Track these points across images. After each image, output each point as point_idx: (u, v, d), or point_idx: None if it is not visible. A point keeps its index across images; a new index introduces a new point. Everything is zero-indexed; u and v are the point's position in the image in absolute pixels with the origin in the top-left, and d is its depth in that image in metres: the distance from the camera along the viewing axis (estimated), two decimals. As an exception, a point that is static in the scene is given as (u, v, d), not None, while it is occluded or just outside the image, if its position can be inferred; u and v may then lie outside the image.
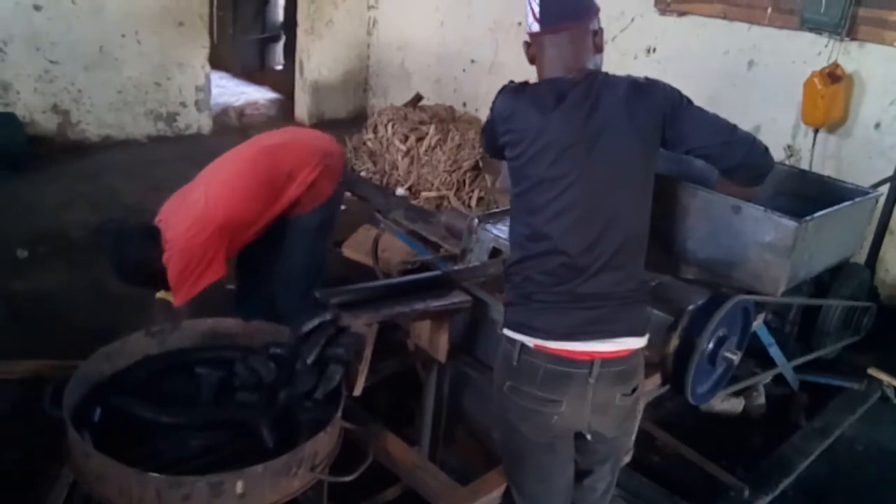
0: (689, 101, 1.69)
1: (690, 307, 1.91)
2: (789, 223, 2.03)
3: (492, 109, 1.70)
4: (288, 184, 2.56)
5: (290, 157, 2.61)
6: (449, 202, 4.92)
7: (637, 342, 1.62)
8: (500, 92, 1.69)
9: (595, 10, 1.67)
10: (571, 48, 1.62)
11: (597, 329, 1.57)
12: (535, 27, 1.63)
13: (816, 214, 2.12)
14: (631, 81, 1.64)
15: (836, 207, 2.22)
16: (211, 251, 2.36)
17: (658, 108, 1.63)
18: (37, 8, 4.95)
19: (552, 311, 1.58)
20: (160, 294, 2.45)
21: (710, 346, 1.92)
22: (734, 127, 1.75)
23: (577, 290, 1.57)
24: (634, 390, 1.67)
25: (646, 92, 1.63)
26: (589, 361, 1.57)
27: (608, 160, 1.57)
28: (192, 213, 2.41)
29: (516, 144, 1.62)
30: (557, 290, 1.58)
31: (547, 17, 1.61)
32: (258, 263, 2.74)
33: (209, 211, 2.41)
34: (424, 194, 5.02)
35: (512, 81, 1.72)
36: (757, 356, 2.86)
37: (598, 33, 1.66)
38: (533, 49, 1.68)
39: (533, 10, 1.62)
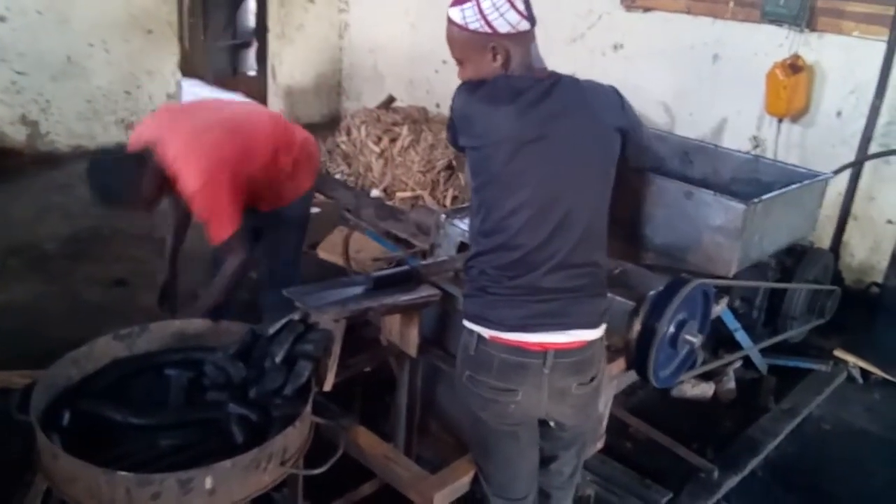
0: (640, 122, 1.81)
1: (651, 293, 1.95)
2: (738, 206, 2.08)
3: (451, 108, 1.71)
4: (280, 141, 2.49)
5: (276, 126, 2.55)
6: (423, 202, 4.95)
7: (590, 334, 1.64)
8: (457, 90, 1.68)
9: None
10: (534, 46, 1.63)
11: (549, 321, 1.60)
12: (525, 25, 1.58)
13: (764, 196, 2.17)
14: (597, 87, 1.67)
15: (783, 190, 2.28)
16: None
17: (619, 119, 1.67)
18: (2, 19, 4.90)
19: (506, 303, 1.61)
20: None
21: (671, 329, 1.96)
22: (649, 136, 1.90)
23: (532, 284, 1.60)
24: (593, 379, 1.70)
25: (611, 100, 1.67)
26: (542, 352, 1.60)
27: (566, 158, 1.59)
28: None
29: (473, 141, 1.64)
30: (510, 283, 1.60)
31: (531, 12, 1.59)
32: None
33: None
34: (399, 195, 5.03)
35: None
36: (726, 342, 2.93)
37: None
38: (505, 51, 1.59)
39: (518, 9, 1.56)
